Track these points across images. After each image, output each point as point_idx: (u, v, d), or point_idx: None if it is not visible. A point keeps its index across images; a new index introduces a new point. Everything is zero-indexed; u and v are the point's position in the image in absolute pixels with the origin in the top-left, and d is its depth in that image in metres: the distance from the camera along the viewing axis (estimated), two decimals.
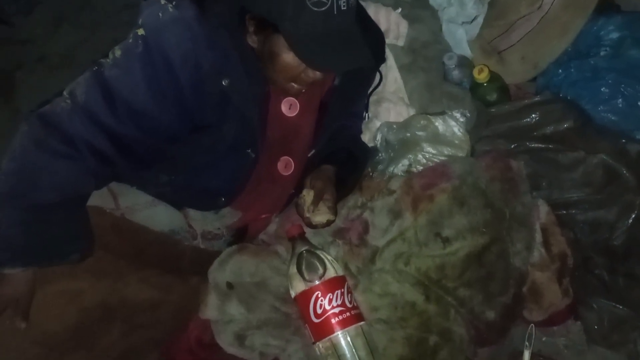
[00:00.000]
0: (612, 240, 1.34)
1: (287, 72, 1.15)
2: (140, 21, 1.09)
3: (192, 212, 1.34)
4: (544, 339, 1.32)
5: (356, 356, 1.11)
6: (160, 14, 1.07)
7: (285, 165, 1.33)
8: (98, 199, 1.19)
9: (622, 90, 1.40)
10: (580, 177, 1.37)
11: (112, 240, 1.20)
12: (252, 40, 1.16)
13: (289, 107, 1.29)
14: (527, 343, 1.18)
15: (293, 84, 1.18)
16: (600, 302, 1.30)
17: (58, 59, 2.16)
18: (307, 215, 1.23)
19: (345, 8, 1.08)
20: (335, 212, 1.26)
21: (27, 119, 1.09)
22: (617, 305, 1.28)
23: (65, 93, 1.11)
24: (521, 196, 1.30)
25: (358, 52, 1.13)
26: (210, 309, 1.24)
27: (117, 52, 1.10)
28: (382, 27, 1.54)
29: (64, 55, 2.16)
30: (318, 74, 1.15)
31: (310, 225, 1.24)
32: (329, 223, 1.25)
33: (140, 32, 1.08)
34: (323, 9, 1.06)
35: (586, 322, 1.31)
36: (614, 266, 1.34)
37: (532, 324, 1.20)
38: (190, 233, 1.34)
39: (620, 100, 1.40)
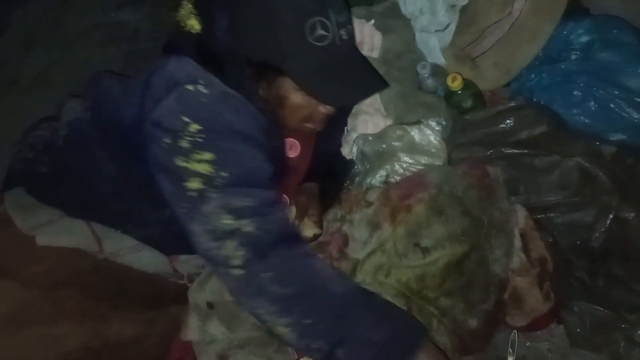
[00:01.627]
0: (591, 242, 1.35)
1: (299, 112, 1.14)
2: (183, 118, 1.00)
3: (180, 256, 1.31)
4: (527, 344, 1.32)
5: None
6: (202, 99, 1.02)
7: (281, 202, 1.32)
8: (82, 242, 1.16)
9: (594, 92, 1.41)
10: (556, 180, 1.38)
11: (93, 282, 1.17)
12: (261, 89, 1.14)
13: (289, 148, 1.28)
14: (510, 349, 1.18)
15: (307, 124, 1.17)
16: (582, 304, 1.30)
17: (30, 82, 2.14)
18: None
19: (346, 37, 1.08)
20: (321, 225, 1.26)
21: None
22: (598, 308, 1.28)
23: (226, 221, 1.00)
24: (499, 202, 1.31)
25: (370, 79, 1.14)
26: (192, 330, 1.23)
27: (206, 156, 1.00)
28: (357, 39, 1.54)
29: (36, 77, 2.14)
30: (329, 107, 1.14)
31: None
32: (315, 237, 1.25)
33: (195, 127, 1.00)
34: (326, 42, 1.04)
35: (568, 326, 1.31)
36: (594, 268, 1.34)
37: (514, 330, 1.20)
38: (176, 276, 1.31)
39: (592, 102, 1.41)
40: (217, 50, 1.08)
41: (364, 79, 1.13)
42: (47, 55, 2.20)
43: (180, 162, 1.00)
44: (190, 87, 1.02)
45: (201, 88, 1.02)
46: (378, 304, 1.10)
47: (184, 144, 1.00)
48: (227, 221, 0.99)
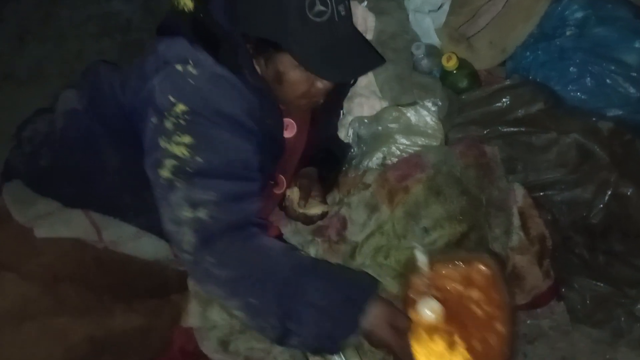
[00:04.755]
0: (590, 219, 1.35)
1: (297, 88, 1.13)
2: (170, 98, 1.00)
3: None
4: (528, 321, 1.32)
5: (341, 354, 1.11)
6: (190, 80, 1.01)
7: (278, 183, 1.32)
8: (81, 232, 1.15)
9: (590, 68, 1.40)
10: (554, 157, 1.38)
11: (94, 274, 1.16)
12: (258, 65, 1.13)
13: (285, 128, 1.27)
14: None
15: (305, 100, 1.16)
16: (582, 281, 1.31)
17: (25, 75, 2.13)
18: (301, 210, 1.22)
19: (344, 13, 1.07)
20: (326, 203, 1.26)
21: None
22: (599, 283, 1.29)
23: (185, 213, 1.01)
24: (497, 181, 1.30)
25: (368, 55, 1.12)
26: (192, 317, 1.23)
27: (185, 139, 1.00)
28: None
29: (31, 70, 2.13)
30: (327, 83, 1.13)
31: (306, 219, 1.24)
32: (324, 215, 1.26)
33: (181, 108, 1.00)
34: (325, 18, 1.04)
35: (569, 302, 1.31)
36: (594, 244, 1.34)
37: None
38: (176, 262, 1.29)
39: (588, 79, 1.41)
40: (212, 28, 1.07)
41: (362, 55, 1.12)
42: (41, 48, 2.18)
43: (162, 143, 1.01)
44: (179, 67, 1.02)
45: (190, 68, 1.02)
46: (325, 270, 1.08)
47: (168, 124, 1.01)
48: (186, 213, 1.01)
